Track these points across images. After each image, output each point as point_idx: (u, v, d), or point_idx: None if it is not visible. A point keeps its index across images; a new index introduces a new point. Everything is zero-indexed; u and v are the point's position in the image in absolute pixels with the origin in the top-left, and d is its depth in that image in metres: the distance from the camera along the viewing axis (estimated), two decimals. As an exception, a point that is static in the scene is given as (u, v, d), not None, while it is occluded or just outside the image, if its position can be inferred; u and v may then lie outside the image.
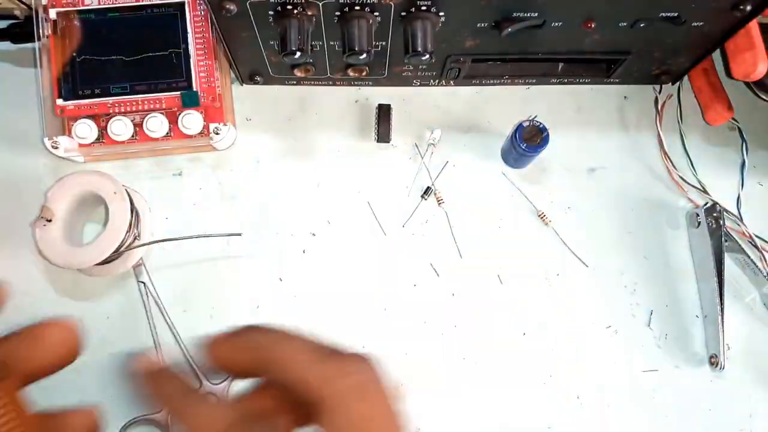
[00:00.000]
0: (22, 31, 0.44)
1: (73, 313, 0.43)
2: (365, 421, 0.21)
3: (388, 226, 0.47)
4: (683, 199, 0.48)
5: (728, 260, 0.46)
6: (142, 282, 0.45)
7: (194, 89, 0.44)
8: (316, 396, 0.21)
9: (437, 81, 0.48)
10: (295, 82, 0.48)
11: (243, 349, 0.23)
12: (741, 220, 0.47)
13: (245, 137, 0.48)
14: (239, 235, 0.46)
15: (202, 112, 0.45)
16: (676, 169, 0.48)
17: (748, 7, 0.37)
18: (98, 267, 0.44)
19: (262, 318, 0.45)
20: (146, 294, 0.45)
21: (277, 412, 0.22)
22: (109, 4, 0.44)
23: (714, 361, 0.44)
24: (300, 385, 0.21)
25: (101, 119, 0.45)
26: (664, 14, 0.38)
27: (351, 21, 0.38)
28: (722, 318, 0.44)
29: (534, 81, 0.49)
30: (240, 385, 0.43)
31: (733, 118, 0.47)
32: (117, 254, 0.43)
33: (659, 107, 0.49)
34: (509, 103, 0.49)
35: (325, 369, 0.22)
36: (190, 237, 0.45)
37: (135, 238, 0.44)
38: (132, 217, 0.43)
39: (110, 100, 0.44)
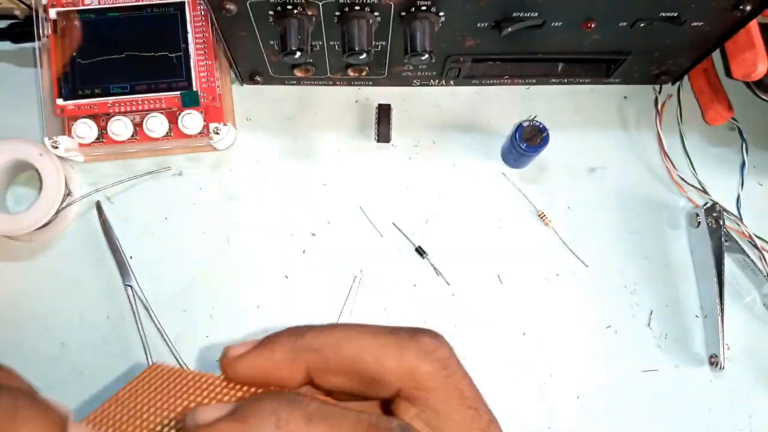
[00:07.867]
0: (22, 30, 0.44)
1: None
2: (461, 401, 0.20)
3: (387, 226, 0.47)
4: (683, 199, 0.48)
5: (728, 260, 0.46)
6: (129, 285, 0.45)
7: (194, 89, 0.44)
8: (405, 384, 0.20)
9: (437, 81, 0.48)
10: (295, 82, 0.48)
11: (292, 357, 0.21)
12: (741, 220, 0.47)
13: (245, 137, 0.48)
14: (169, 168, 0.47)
15: (202, 112, 0.45)
16: (676, 169, 0.48)
17: (748, 7, 0.37)
18: (38, 231, 0.44)
19: (262, 318, 0.45)
20: (133, 297, 0.45)
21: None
22: (109, 3, 0.44)
23: (714, 361, 0.44)
24: (380, 377, 0.20)
25: (101, 119, 0.45)
26: (664, 14, 0.38)
27: (351, 21, 0.38)
28: (722, 318, 0.44)
29: (534, 81, 0.49)
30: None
31: (733, 118, 0.47)
32: (55, 214, 0.44)
33: (659, 107, 0.49)
34: (509, 103, 0.49)
35: (406, 354, 0.20)
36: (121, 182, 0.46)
37: (68, 195, 0.45)
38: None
39: (110, 99, 0.44)
